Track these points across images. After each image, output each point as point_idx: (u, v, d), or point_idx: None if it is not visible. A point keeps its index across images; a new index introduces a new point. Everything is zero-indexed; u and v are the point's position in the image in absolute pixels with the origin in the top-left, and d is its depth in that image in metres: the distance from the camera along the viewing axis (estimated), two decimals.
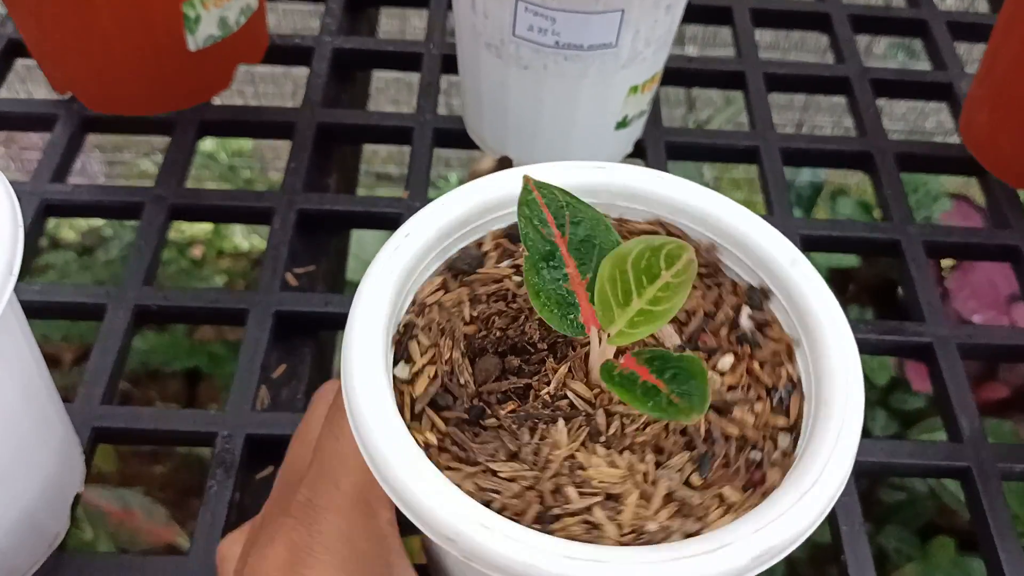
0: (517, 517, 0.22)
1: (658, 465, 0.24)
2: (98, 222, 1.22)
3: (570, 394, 0.25)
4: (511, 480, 0.23)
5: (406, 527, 0.36)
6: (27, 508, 0.33)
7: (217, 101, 0.52)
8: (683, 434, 0.24)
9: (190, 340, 1.11)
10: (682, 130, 0.52)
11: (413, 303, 0.27)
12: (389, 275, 0.25)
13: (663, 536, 0.22)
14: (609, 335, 0.23)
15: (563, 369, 0.26)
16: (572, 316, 0.24)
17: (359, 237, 0.81)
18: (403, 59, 0.55)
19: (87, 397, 0.40)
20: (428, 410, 0.24)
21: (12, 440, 0.31)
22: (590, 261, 0.24)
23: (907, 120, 1.32)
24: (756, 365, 0.26)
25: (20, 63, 0.55)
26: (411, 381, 0.25)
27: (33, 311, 0.32)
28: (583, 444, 0.24)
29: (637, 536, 0.22)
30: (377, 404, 0.23)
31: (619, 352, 0.24)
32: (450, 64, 0.54)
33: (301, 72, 0.53)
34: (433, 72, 0.54)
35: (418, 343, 0.26)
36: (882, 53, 1.13)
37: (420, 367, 0.25)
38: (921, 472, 0.41)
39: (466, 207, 0.27)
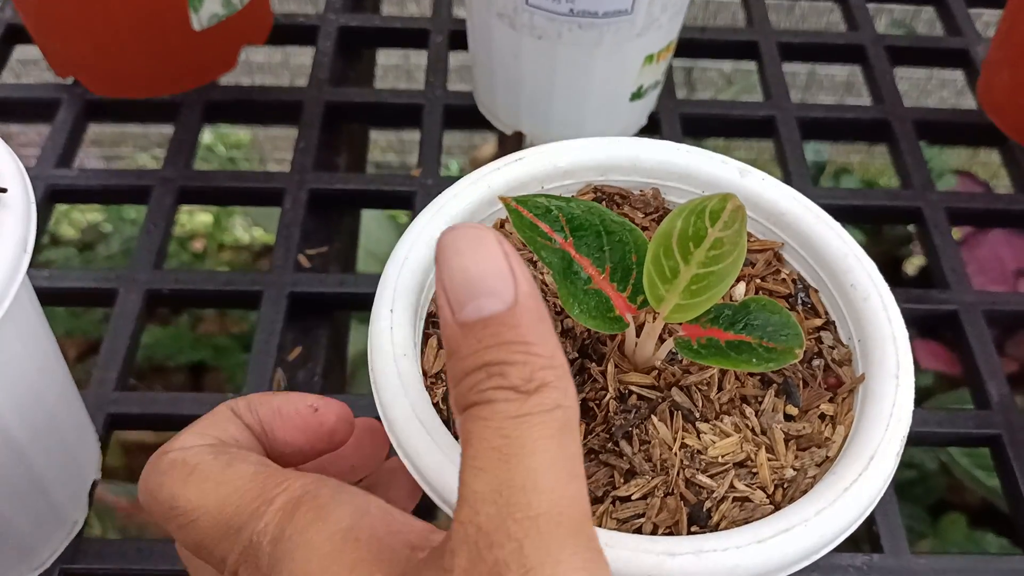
0: (672, 529, 0.21)
1: (758, 414, 0.23)
2: (98, 216, 1.21)
3: (633, 388, 0.24)
4: (645, 497, 0.22)
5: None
6: (46, 489, 0.32)
7: (222, 83, 0.51)
8: (753, 375, 0.24)
9: (194, 333, 1.11)
10: (697, 102, 0.51)
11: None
12: (406, 291, 0.25)
13: (803, 477, 0.21)
14: (655, 315, 0.23)
15: (610, 368, 0.25)
16: (611, 313, 0.23)
17: (365, 227, 0.80)
18: (410, 36, 0.54)
19: (101, 383, 0.39)
20: None
21: (29, 417, 0.30)
22: (602, 252, 0.24)
23: (909, 97, 1.31)
24: (760, 281, 0.26)
25: (14, 55, 0.54)
26: None
27: (43, 298, 0.32)
28: (684, 428, 0.23)
29: (783, 490, 0.21)
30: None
31: (667, 329, 0.24)
32: (457, 41, 0.53)
33: (298, 60, 0.52)
34: (441, 48, 0.53)
35: None
36: (882, 32, 1.13)
37: None
38: (951, 441, 0.41)
39: (471, 200, 0.27)
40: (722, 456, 0.22)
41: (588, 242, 0.24)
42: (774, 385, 0.24)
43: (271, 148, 1.50)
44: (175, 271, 0.42)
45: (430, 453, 0.21)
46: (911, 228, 0.97)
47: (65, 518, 0.35)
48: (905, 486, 0.90)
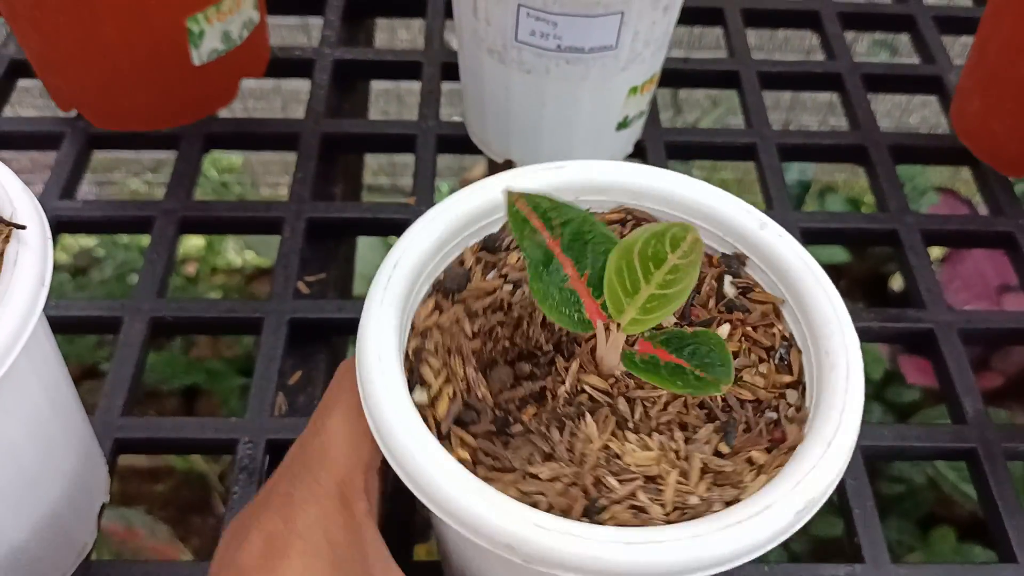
0: (564, 514, 0.23)
1: (687, 441, 0.24)
2: (90, 242, 1.22)
3: (587, 388, 0.26)
4: (552, 480, 0.24)
5: (413, 533, 0.36)
6: (56, 514, 0.33)
7: (221, 115, 0.53)
8: (702, 407, 0.25)
9: (187, 357, 1.11)
10: (680, 129, 0.53)
11: (413, 328, 0.27)
12: (389, 307, 0.26)
13: (706, 508, 0.22)
14: (619, 325, 0.24)
15: (575, 365, 0.26)
16: (578, 313, 0.25)
17: (360, 253, 0.81)
18: (403, 68, 0.56)
19: (107, 409, 0.40)
20: (454, 428, 0.25)
21: (41, 445, 0.31)
22: (584, 258, 0.25)
23: (892, 116, 1.33)
24: (750, 330, 0.28)
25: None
26: (432, 404, 0.26)
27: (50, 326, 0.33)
28: (613, 433, 0.25)
29: (682, 512, 0.23)
30: (409, 427, 0.24)
31: (630, 340, 0.25)
32: (449, 72, 0.55)
33: (290, 86, 0.54)
34: (433, 80, 0.54)
35: (429, 366, 0.26)
36: (865, 52, 1.15)
37: (437, 389, 0.26)
38: (929, 455, 0.42)
39: (441, 228, 0.28)
40: (636, 465, 0.24)
41: (575, 247, 0.25)
42: (717, 421, 0.25)
43: (263, 172, 1.51)
44: (178, 299, 0.44)
45: (414, 454, 0.23)
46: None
47: (75, 541, 0.36)
48: (894, 500, 0.91)
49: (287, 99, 1.38)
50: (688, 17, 0.59)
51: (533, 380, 0.27)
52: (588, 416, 0.25)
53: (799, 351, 0.27)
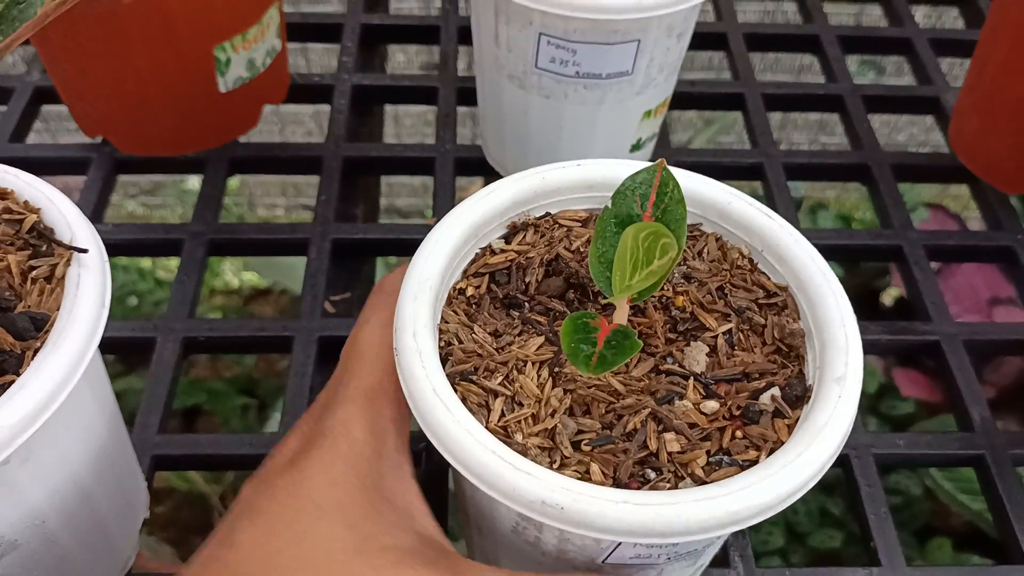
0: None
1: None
2: None
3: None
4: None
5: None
6: (104, 526, 0.35)
7: (242, 139, 0.54)
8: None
9: (187, 378, 1.12)
10: (691, 150, 0.55)
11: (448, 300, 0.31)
12: (426, 283, 0.29)
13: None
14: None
15: (598, 314, 0.29)
16: (609, 276, 0.28)
17: (380, 273, 0.83)
18: (419, 93, 0.58)
19: (144, 427, 0.42)
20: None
21: (93, 457, 0.32)
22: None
23: (881, 134, 1.36)
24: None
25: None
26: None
27: None
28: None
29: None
30: (446, 402, 0.26)
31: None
32: (463, 96, 0.57)
33: (287, 109, 0.55)
34: (449, 103, 0.56)
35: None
36: (854, 71, 1.18)
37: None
38: (939, 462, 0.44)
39: (466, 224, 0.32)
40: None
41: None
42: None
43: (261, 193, 1.53)
44: (209, 320, 0.45)
45: (447, 423, 0.26)
46: (892, 264, 1.01)
47: (120, 554, 0.37)
48: (891, 511, 0.93)
49: (285, 122, 1.40)
50: (693, 42, 0.61)
51: (569, 308, 0.30)
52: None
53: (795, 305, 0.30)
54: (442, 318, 0.30)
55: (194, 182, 1.29)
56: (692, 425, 0.27)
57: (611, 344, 0.26)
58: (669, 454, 0.26)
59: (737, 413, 0.27)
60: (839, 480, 0.94)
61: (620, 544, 0.26)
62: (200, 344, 0.45)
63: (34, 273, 0.29)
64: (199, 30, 0.47)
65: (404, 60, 1.23)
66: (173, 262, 0.47)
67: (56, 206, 0.31)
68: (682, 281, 0.30)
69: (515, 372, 0.28)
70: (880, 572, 0.39)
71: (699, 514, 0.24)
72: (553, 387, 0.28)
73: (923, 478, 0.91)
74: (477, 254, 0.32)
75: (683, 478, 0.26)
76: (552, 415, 0.27)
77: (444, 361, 0.28)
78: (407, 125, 1.41)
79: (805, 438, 0.26)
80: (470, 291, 0.31)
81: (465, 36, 0.60)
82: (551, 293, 0.30)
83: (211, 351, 0.46)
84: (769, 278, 0.31)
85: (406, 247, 0.50)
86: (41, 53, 0.50)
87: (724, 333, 0.29)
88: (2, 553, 0.30)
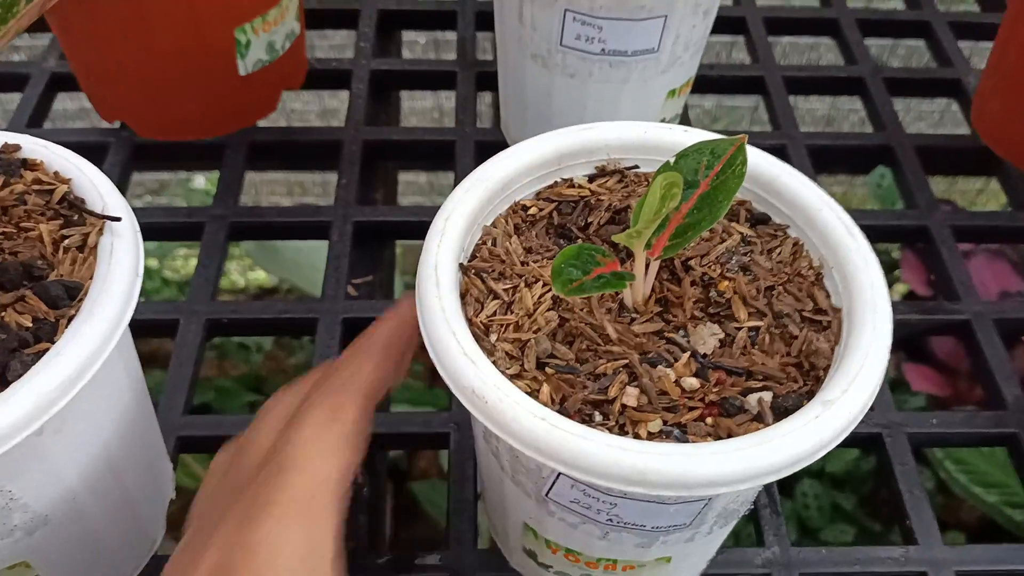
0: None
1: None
2: None
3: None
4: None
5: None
6: (132, 504, 0.34)
7: (261, 124, 0.54)
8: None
9: None
10: (714, 132, 0.54)
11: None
12: (451, 231, 0.30)
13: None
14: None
15: (615, 257, 0.29)
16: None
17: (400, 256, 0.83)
18: (438, 78, 0.57)
19: (168, 408, 0.41)
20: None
21: (124, 432, 0.32)
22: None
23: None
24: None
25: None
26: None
27: None
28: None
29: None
30: (467, 351, 0.26)
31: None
32: (483, 82, 0.56)
33: (287, 96, 0.54)
34: (468, 88, 0.56)
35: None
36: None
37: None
38: (972, 441, 0.43)
39: (495, 180, 0.32)
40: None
41: (703, 199, 0.28)
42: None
43: (267, 192, 1.52)
44: (231, 303, 0.44)
45: (431, 299, 0.27)
46: (901, 259, 1.01)
47: (147, 534, 0.36)
48: None
49: (291, 122, 1.40)
50: (713, 26, 0.61)
51: (617, 252, 0.29)
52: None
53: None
54: (492, 223, 0.31)
55: (200, 180, 1.29)
56: (662, 393, 0.26)
57: (599, 279, 0.26)
58: (623, 406, 0.26)
59: (716, 401, 0.26)
60: (850, 476, 0.93)
61: (559, 478, 0.26)
62: (224, 326, 0.44)
63: (66, 242, 0.29)
64: (220, 11, 0.46)
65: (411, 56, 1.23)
66: (179, 262, 0.47)
67: (87, 176, 0.31)
68: (736, 269, 0.30)
69: (524, 286, 0.28)
70: (916, 551, 0.38)
71: (611, 456, 0.23)
72: (549, 310, 0.28)
73: (937, 470, 0.91)
74: (557, 182, 0.33)
75: (626, 434, 0.25)
76: (536, 332, 0.27)
77: (472, 257, 0.29)
78: (413, 123, 1.41)
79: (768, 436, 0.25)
80: (532, 210, 0.31)
81: (482, 22, 0.60)
82: (605, 237, 0.30)
83: (235, 333, 0.45)
84: (828, 296, 0.29)
85: (426, 230, 0.49)
86: (61, 39, 0.49)
87: (750, 329, 0.28)
88: (34, 528, 0.30)
